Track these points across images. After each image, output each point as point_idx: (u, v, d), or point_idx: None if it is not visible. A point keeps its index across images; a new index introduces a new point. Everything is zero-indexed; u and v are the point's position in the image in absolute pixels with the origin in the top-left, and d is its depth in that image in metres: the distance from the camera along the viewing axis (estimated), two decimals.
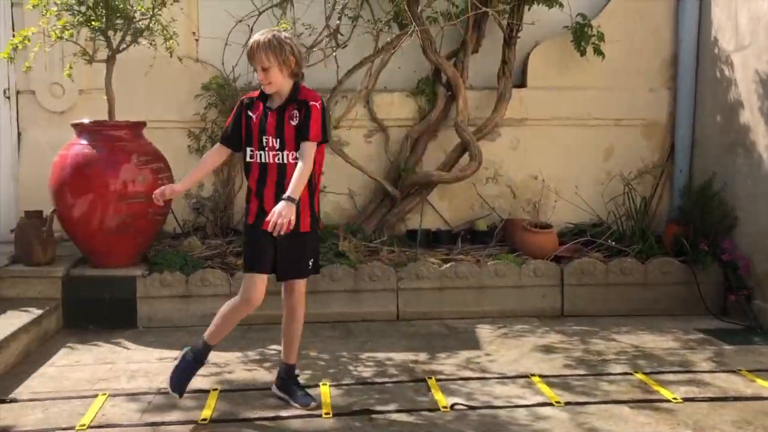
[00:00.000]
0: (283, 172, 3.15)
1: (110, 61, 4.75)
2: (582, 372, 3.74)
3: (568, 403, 3.30)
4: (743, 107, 4.92)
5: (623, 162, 5.81)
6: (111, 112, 4.77)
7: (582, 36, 5.40)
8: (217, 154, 3.39)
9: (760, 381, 3.58)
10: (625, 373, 3.71)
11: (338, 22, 5.26)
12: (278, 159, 3.17)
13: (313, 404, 3.22)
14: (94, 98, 5.40)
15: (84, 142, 4.58)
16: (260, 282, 3.14)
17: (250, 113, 3.24)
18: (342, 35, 5.29)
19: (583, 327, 4.62)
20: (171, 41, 4.86)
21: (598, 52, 5.44)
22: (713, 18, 5.31)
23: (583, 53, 5.44)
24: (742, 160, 4.92)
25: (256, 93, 3.29)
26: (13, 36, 4.60)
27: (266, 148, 3.18)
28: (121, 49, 4.77)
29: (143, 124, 4.81)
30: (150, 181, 4.59)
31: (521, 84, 5.78)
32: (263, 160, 3.19)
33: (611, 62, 5.62)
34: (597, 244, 5.29)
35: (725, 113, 5.15)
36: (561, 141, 5.80)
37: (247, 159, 3.23)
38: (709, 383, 3.57)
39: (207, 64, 5.66)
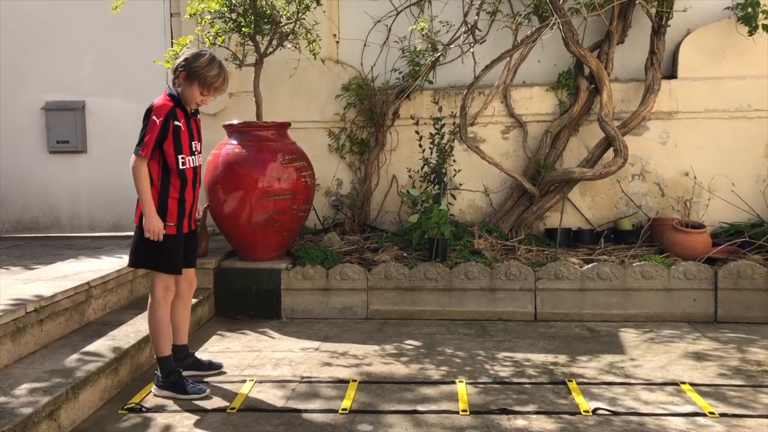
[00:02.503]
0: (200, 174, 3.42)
1: (258, 64, 5.01)
2: (739, 382, 3.46)
3: (723, 415, 3.07)
4: None
5: None
6: (259, 114, 5.02)
7: (752, 13, 5.00)
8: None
9: None
10: None
11: (476, 17, 5.21)
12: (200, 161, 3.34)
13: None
14: (243, 101, 5.74)
15: (234, 142, 4.85)
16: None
17: (177, 122, 3.24)
18: (480, 30, 5.24)
19: (739, 334, 4.28)
20: (314, 44, 5.03)
21: None
22: None
23: (753, 31, 5.04)
24: None
25: (169, 102, 3.26)
26: (172, 44, 4.96)
27: (195, 154, 3.36)
28: (268, 52, 5.01)
29: (288, 124, 5.02)
30: (294, 178, 4.79)
31: (671, 75, 5.46)
32: (194, 165, 3.34)
33: None
34: (757, 245, 4.88)
35: None
36: (715, 135, 5.41)
37: (181, 166, 3.27)
38: None
39: (346, 65, 5.82)
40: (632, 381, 3.52)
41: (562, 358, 3.88)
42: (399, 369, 3.75)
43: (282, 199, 4.76)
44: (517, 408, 3.18)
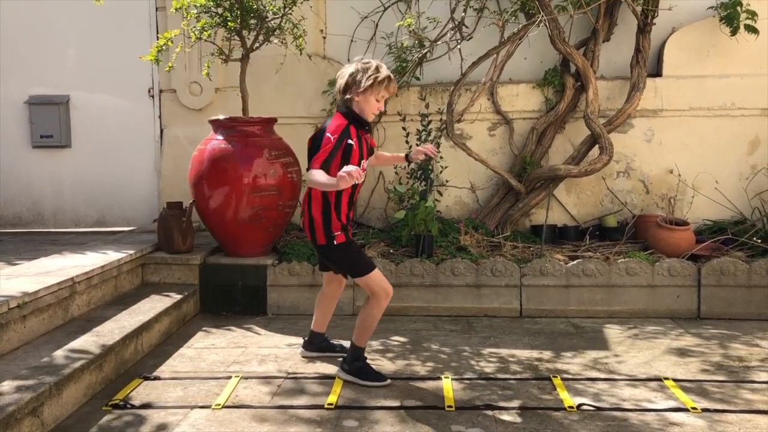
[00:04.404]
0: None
1: (244, 59, 4.98)
2: (721, 378, 3.50)
3: (705, 410, 3.10)
4: None
5: None
6: (245, 109, 5.00)
7: (733, 14, 5.04)
8: None
9: None
10: None
11: (463, 14, 5.22)
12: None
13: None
14: (229, 96, 5.72)
15: (220, 137, 4.83)
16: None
17: (350, 141, 3.28)
18: (467, 27, 5.25)
19: (721, 330, 4.33)
20: (300, 39, 5.02)
21: (752, 29, 5.06)
22: None
23: (735, 32, 5.08)
24: None
25: (344, 120, 3.30)
26: (158, 38, 4.92)
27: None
28: (254, 48, 4.99)
29: (274, 120, 5.00)
30: (280, 174, 4.78)
31: (656, 73, 5.50)
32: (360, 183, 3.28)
33: (758, 48, 5.22)
34: (739, 242, 4.94)
35: None
36: (699, 133, 5.46)
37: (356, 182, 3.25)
38: None
39: (333, 60, 5.80)
40: (616, 377, 3.55)
41: (546, 354, 3.91)
42: (385, 365, 3.75)
43: (268, 195, 4.74)
44: (502, 404, 3.20)
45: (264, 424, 3.01)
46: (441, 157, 5.56)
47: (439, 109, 5.55)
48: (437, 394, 3.32)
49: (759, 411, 3.09)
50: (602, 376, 3.56)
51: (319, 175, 3.14)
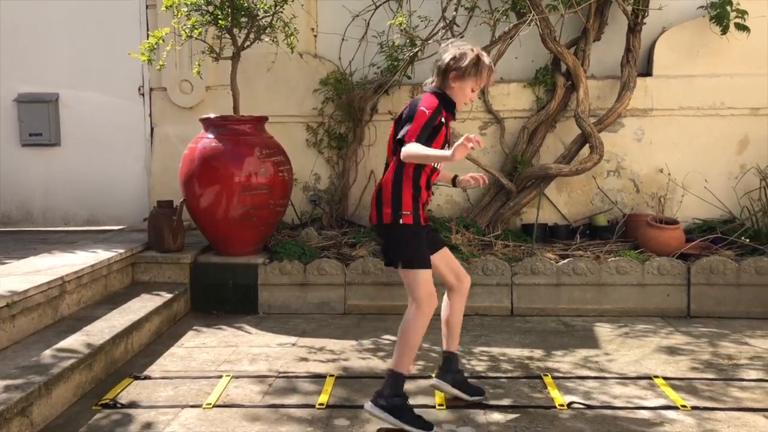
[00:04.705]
0: None
1: (235, 58, 4.97)
2: (710, 376, 3.52)
3: (695, 408, 3.12)
4: None
5: (759, 154, 5.42)
6: (236, 108, 4.98)
7: (723, 13, 5.06)
8: None
9: None
10: (760, 380, 3.46)
11: (454, 13, 5.22)
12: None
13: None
14: (220, 94, 5.70)
15: (211, 135, 4.81)
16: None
17: (441, 119, 3.04)
18: (458, 26, 5.25)
19: (711, 329, 4.35)
20: (292, 37, 5.01)
21: (742, 27, 5.08)
22: None
23: (725, 31, 5.10)
24: None
25: (435, 99, 3.02)
26: (148, 36, 4.90)
27: None
28: (245, 46, 4.97)
29: (265, 118, 4.99)
30: (271, 173, 4.77)
31: (646, 72, 5.52)
32: (438, 166, 3.12)
33: (747, 48, 5.25)
34: (728, 241, 4.97)
35: None
36: (689, 132, 5.48)
37: (435, 165, 3.08)
38: None
39: (325, 59, 5.80)
40: (606, 375, 3.57)
41: (537, 353, 3.92)
42: (377, 364, 3.76)
43: (259, 194, 4.73)
44: (492, 402, 3.21)
45: (255, 424, 3.01)
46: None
47: None
48: (428, 393, 3.32)
49: (748, 409, 3.11)
50: (593, 374, 3.57)
51: (419, 147, 2.84)
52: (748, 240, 4.91)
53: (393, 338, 4.21)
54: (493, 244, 5.13)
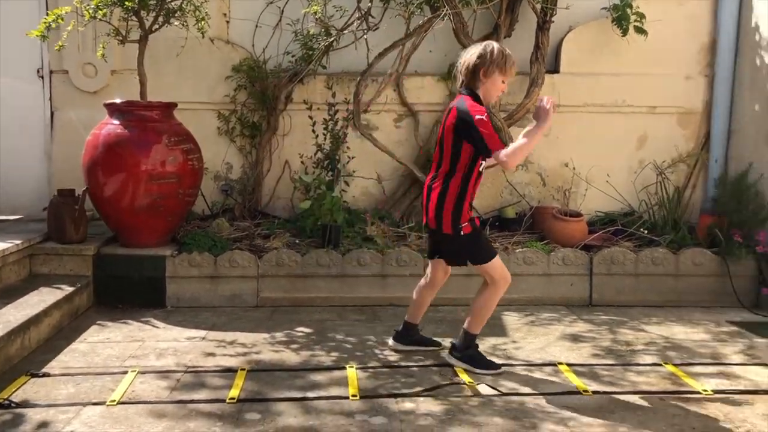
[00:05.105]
0: None
1: (142, 41, 4.78)
2: (610, 362, 3.70)
3: (596, 392, 3.27)
4: None
5: (657, 150, 5.72)
6: (143, 93, 4.80)
7: (624, 15, 5.28)
8: None
9: None
10: (655, 364, 3.66)
11: (369, 4, 5.21)
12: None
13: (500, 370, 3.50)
14: (126, 79, 5.47)
15: (116, 121, 4.62)
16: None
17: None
18: (373, 17, 5.25)
19: (611, 317, 4.56)
20: (203, 22, 4.87)
21: (641, 30, 5.33)
22: (754, 4, 5.17)
23: (625, 32, 5.33)
24: None
25: (475, 102, 3.29)
26: (47, 15, 4.64)
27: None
28: (153, 29, 4.79)
29: (174, 105, 4.83)
30: (180, 161, 4.63)
31: (554, 70, 5.70)
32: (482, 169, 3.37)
33: (647, 49, 5.51)
34: (628, 233, 5.22)
35: (764, 102, 5.02)
36: (593, 128, 5.71)
37: (480, 168, 3.34)
38: (740, 376, 3.50)
39: (237, 45, 5.66)
40: (514, 362, 3.68)
41: (449, 342, 3.98)
42: (289, 356, 3.72)
43: (167, 183, 4.58)
44: (405, 391, 3.25)
45: (162, 420, 2.92)
46: (348, 147, 5.54)
47: (346, 98, 5.53)
48: (342, 383, 3.33)
49: (644, 392, 3.29)
50: (501, 361, 3.67)
51: (515, 148, 3.11)
52: (646, 232, 5.18)
53: (307, 330, 4.18)
54: (407, 235, 5.18)
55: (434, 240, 3.59)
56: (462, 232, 3.35)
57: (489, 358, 3.60)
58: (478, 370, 3.46)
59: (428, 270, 3.73)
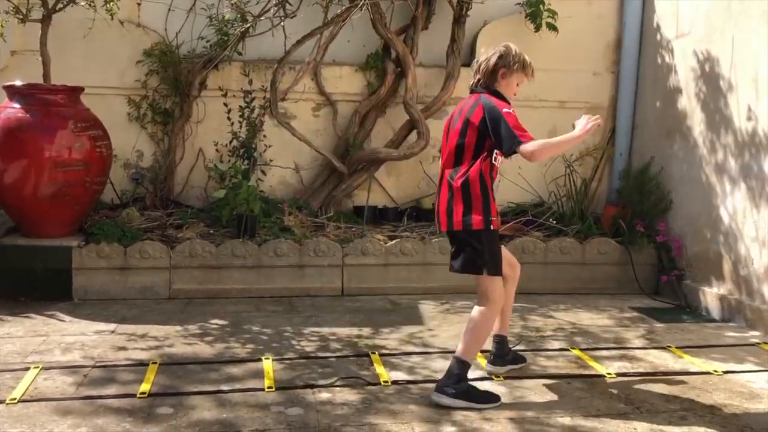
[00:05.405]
0: None
1: (45, 21, 4.55)
2: (521, 348, 3.82)
3: (507, 378, 3.37)
4: (682, 94, 5.07)
5: None
6: (46, 75, 4.57)
7: (537, 11, 5.43)
8: None
9: (687, 357, 3.74)
10: (562, 349, 3.82)
11: None
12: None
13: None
14: (28, 60, 5.18)
15: (17, 105, 4.38)
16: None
17: None
18: (290, 5, 5.18)
19: (522, 304, 4.71)
20: (111, 3, 4.68)
21: (552, 27, 5.49)
22: (656, 5, 5.44)
23: (538, 28, 5.48)
24: (679, 144, 5.08)
25: (498, 99, 3.26)
26: None
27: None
28: (57, 9, 4.56)
29: (81, 89, 4.63)
30: (88, 148, 4.45)
31: (470, 63, 5.79)
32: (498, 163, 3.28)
33: (558, 45, 5.70)
34: (538, 223, 5.40)
35: (665, 99, 5.30)
36: None
37: (493, 162, 3.23)
38: (641, 359, 3.70)
39: (149, 29, 5.47)
40: (429, 350, 3.75)
41: (366, 331, 4.02)
42: (203, 349, 3.65)
43: (73, 171, 4.39)
44: (321, 382, 3.25)
45: (67, 417, 2.80)
46: (264, 136, 5.46)
47: (263, 86, 5.44)
48: (257, 375, 3.30)
49: (552, 375, 3.42)
50: (417, 350, 3.74)
51: (544, 143, 3.11)
52: (554, 222, 5.38)
53: (221, 322, 4.11)
54: (325, 225, 5.17)
55: (459, 240, 3.27)
56: (492, 227, 3.16)
57: (488, 390, 3.20)
58: (479, 406, 3.03)
59: None
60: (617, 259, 5.13)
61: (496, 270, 3.16)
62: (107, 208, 5.29)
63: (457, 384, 3.05)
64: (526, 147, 3.06)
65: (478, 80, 3.36)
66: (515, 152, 3.08)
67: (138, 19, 5.49)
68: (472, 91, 3.35)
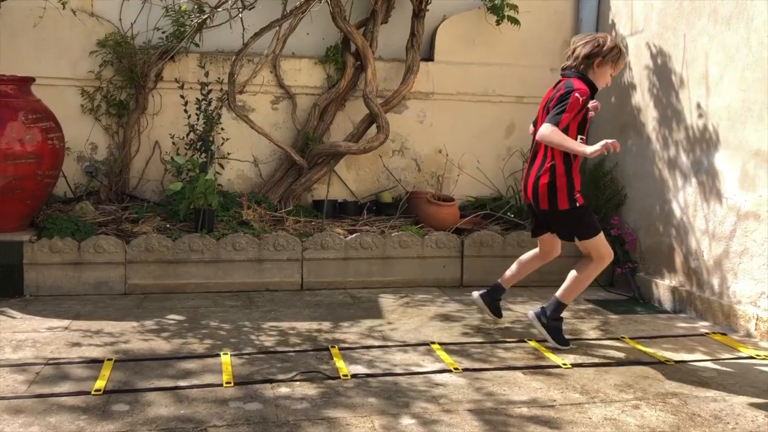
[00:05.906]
0: None
1: None
2: (479, 340, 3.87)
3: (466, 370, 3.41)
4: (636, 90, 5.18)
5: (523, 139, 5.97)
6: None
7: (499, 5, 5.48)
8: None
9: (640, 347, 3.84)
10: (520, 341, 3.87)
11: None
12: None
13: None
14: None
15: None
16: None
17: (589, 107, 3.53)
18: None
19: None
20: None
21: (514, 20, 5.55)
22: (611, 2, 5.54)
23: (499, 22, 5.53)
24: (633, 140, 5.20)
25: (587, 88, 3.46)
26: None
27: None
28: None
29: (32, 79, 4.50)
30: (39, 140, 4.34)
31: (429, 58, 5.82)
32: None
33: (516, 41, 5.76)
34: (496, 217, 5.47)
35: (619, 95, 5.40)
36: (465, 116, 5.90)
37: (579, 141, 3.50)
38: (596, 350, 3.78)
39: (103, 19, 5.35)
40: (389, 343, 3.76)
41: (326, 325, 4.02)
42: (160, 345, 3.60)
43: (24, 164, 4.27)
44: (281, 376, 3.23)
45: (18, 416, 2.73)
46: (222, 129, 5.40)
47: (220, 78, 5.38)
48: (215, 371, 3.27)
49: (510, 367, 3.47)
50: (377, 343, 3.75)
51: (560, 136, 3.33)
52: (512, 216, 5.45)
53: (179, 318, 4.06)
54: (284, 219, 5.14)
55: (540, 220, 3.76)
56: (578, 204, 3.54)
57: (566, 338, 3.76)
58: (555, 344, 3.67)
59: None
60: (573, 252, 5.18)
61: (590, 234, 3.60)
62: (60, 201, 5.17)
63: (554, 320, 3.68)
64: (549, 126, 3.38)
65: (570, 66, 3.54)
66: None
67: (91, 8, 5.36)
68: (563, 74, 3.58)
